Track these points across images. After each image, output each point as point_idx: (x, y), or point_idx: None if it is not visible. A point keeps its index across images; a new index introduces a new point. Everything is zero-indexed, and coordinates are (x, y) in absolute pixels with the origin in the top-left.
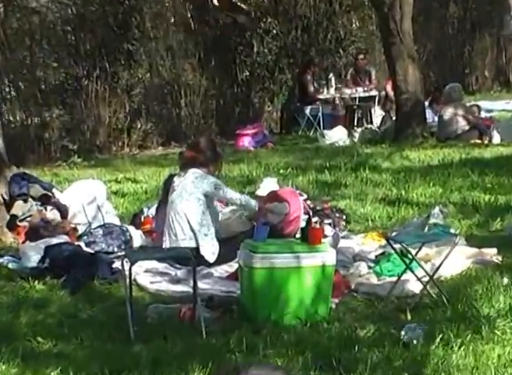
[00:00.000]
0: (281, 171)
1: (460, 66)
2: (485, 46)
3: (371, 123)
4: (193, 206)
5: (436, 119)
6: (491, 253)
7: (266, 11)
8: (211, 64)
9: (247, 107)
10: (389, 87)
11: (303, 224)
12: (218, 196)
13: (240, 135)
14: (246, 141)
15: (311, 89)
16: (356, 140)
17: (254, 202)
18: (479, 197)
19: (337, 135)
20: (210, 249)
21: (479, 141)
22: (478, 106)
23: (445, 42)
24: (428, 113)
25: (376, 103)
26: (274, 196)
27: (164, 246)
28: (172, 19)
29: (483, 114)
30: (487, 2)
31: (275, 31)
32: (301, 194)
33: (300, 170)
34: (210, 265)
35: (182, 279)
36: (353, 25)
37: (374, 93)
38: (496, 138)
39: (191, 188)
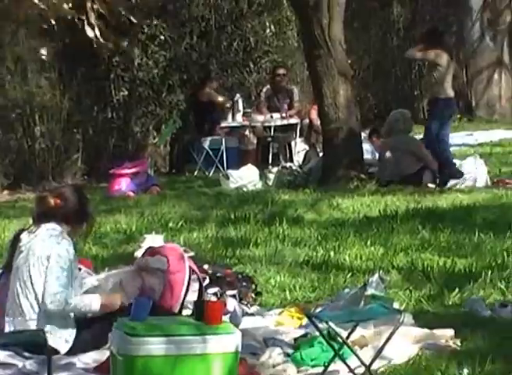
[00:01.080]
0: (170, 224)
1: (408, 87)
2: None
3: (291, 160)
4: (41, 275)
5: (377, 156)
6: (446, 335)
7: (150, 10)
8: (76, 79)
9: (125, 138)
10: (314, 114)
11: (194, 295)
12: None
13: (116, 176)
14: (123, 184)
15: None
16: (270, 183)
17: (96, 303)
18: (431, 260)
19: (246, 176)
20: (62, 334)
21: (432, 186)
22: None
23: (388, 54)
24: (366, 149)
25: (297, 134)
26: (151, 252)
27: (8, 328)
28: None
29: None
30: (442, 3)
31: (162, 37)
32: (186, 251)
33: (196, 223)
34: (72, 353)
35: (33, 372)
36: (267, 30)
37: (294, 121)
38: (453, 182)
39: (40, 250)
